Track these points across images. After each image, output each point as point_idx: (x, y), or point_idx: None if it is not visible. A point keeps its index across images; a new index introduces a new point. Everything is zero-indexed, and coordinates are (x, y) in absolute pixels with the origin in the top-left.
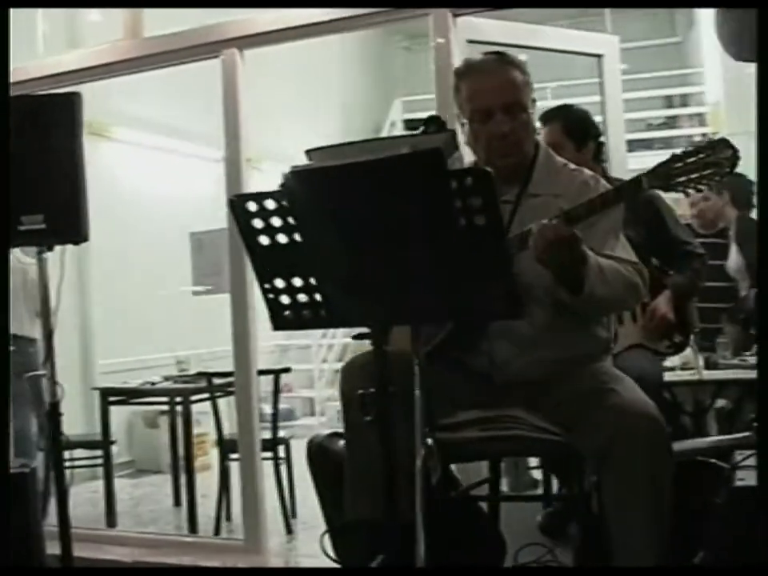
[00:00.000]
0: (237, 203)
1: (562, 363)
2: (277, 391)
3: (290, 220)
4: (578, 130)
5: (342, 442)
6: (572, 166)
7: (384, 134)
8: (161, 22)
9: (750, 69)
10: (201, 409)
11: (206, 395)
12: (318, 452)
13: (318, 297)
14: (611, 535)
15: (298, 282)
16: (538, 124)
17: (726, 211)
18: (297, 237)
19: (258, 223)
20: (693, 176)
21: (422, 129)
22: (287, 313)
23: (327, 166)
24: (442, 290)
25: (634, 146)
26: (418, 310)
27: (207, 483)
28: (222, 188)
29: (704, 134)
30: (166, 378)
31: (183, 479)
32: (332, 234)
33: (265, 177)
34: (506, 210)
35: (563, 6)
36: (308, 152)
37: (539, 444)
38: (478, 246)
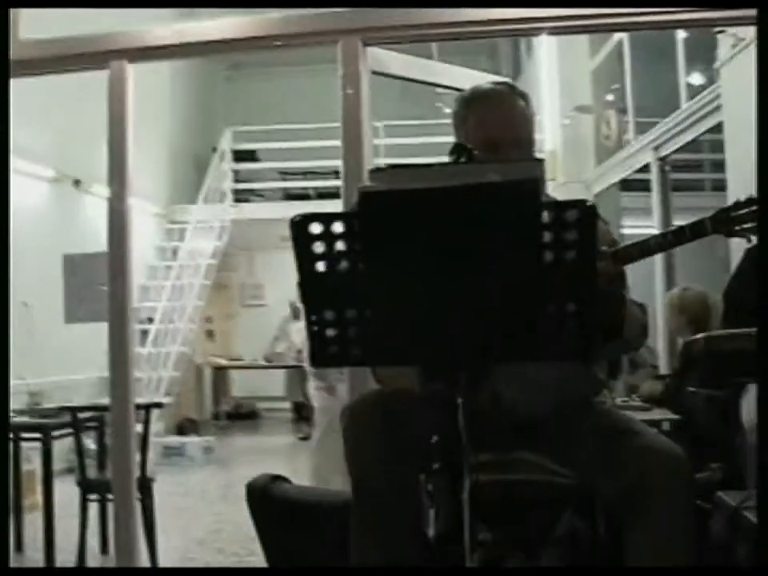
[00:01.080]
0: (300, 224)
1: (565, 404)
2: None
3: (357, 246)
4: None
5: (286, 486)
6: None
7: (213, 162)
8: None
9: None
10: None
11: (68, 430)
12: (261, 496)
13: (369, 332)
14: None
15: (351, 313)
16: None
17: None
18: (360, 264)
19: (318, 247)
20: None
21: (453, 157)
22: (332, 348)
23: (415, 188)
24: (515, 327)
25: None
26: (488, 349)
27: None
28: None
29: None
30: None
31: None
32: (404, 262)
33: (94, 200)
34: None
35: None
36: (373, 171)
37: (563, 489)
38: (562, 282)
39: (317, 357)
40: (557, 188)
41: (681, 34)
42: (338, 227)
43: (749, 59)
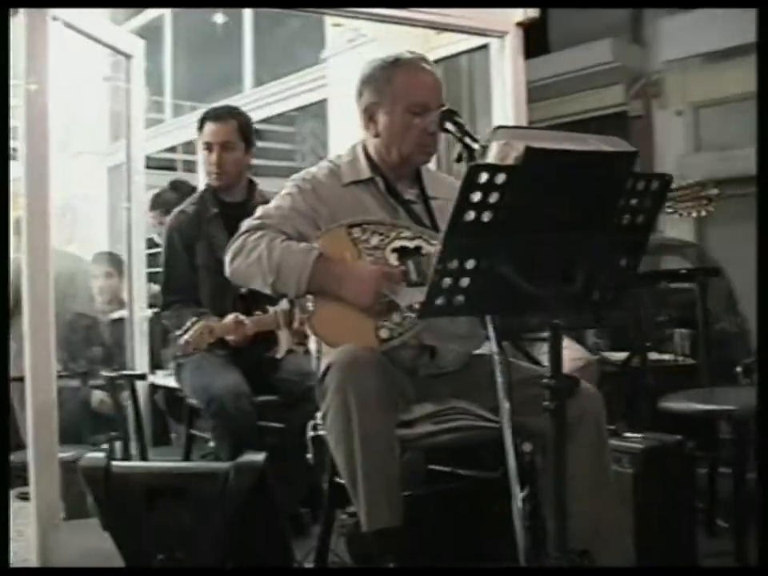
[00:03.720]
0: (474, 171)
1: (474, 356)
2: None
3: (507, 197)
4: (249, 132)
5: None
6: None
7: None
8: None
9: None
10: None
11: None
12: (103, 476)
13: (480, 282)
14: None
15: (470, 264)
16: None
17: None
18: (500, 217)
19: (475, 197)
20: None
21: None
22: (441, 299)
23: (567, 150)
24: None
25: None
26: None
27: None
28: None
29: None
30: None
31: None
32: (537, 216)
33: None
34: (421, 210)
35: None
36: (498, 128)
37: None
38: (626, 241)
39: (426, 308)
40: None
41: (247, 24)
42: (500, 178)
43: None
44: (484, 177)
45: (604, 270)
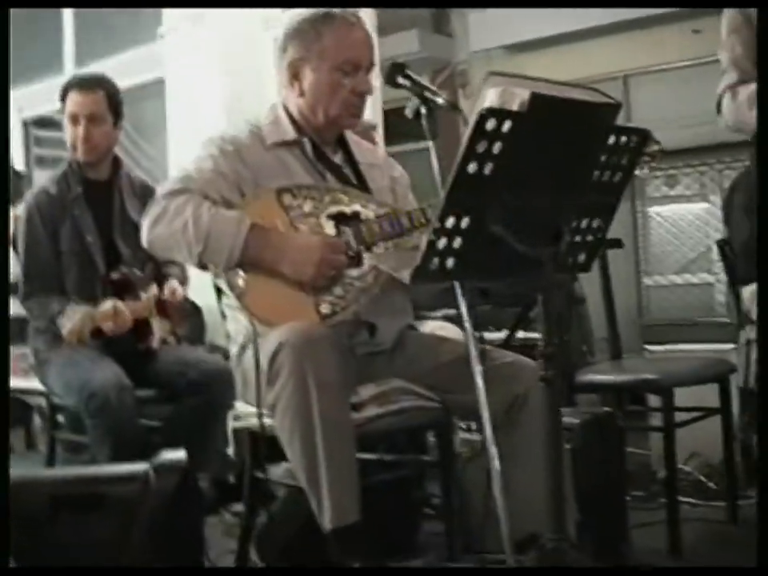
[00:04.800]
0: (484, 117)
1: (403, 331)
2: None
3: (509, 149)
4: (118, 104)
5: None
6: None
7: None
8: None
9: None
10: None
11: None
12: None
13: (473, 243)
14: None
15: (465, 222)
16: None
17: None
18: (500, 170)
19: (481, 146)
20: None
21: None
22: (435, 262)
23: (569, 99)
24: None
25: None
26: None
27: None
28: None
29: None
30: None
31: None
32: (528, 172)
33: None
34: (350, 174)
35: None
36: (493, 73)
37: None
38: (601, 200)
39: (418, 272)
40: None
41: None
42: (506, 126)
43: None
44: (492, 123)
45: (581, 232)
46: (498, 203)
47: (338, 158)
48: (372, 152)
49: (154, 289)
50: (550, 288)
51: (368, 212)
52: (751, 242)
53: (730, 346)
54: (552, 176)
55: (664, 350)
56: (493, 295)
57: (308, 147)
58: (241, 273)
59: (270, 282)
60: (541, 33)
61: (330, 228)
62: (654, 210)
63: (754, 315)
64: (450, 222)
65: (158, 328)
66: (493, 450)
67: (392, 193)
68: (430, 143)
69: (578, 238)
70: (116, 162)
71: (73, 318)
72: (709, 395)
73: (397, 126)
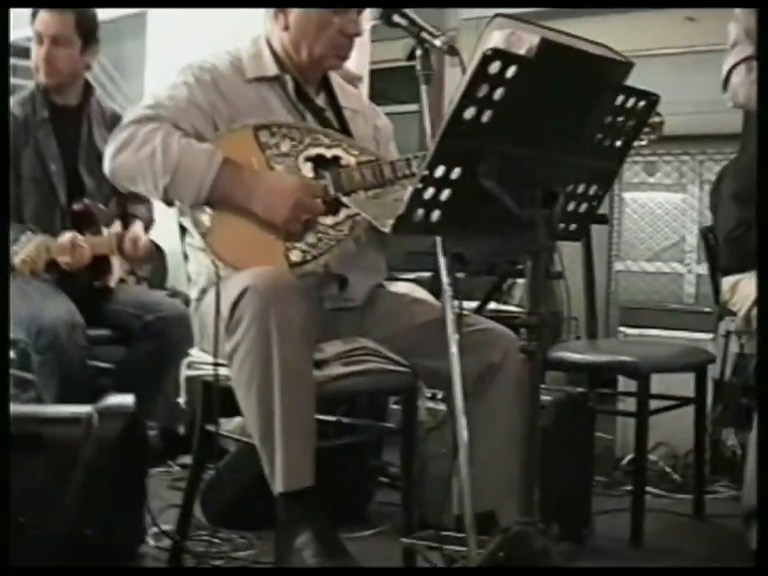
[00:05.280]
0: (489, 59)
1: (374, 288)
2: None
3: (510, 97)
4: (90, 28)
5: None
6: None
7: None
8: None
9: None
10: None
11: None
12: None
13: (461, 195)
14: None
15: (456, 173)
16: None
17: None
18: (499, 119)
19: (481, 90)
20: None
21: None
22: (419, 213)
23: (580, 49)
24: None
25: None
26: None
27: None
28: None
29: None
30: None
31: None
32: (528, 126)
33: None
34: (331, 117)
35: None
36: (497, 16)
37: (403, 376)
38: (600, 165)
39: (402, 221)
40: None
41: None
42: (510, 71)
43: None
44: (495, 66)
45: (576, 197)
46: (492, 155)
47: (320, 100)
48: (357, 98)
49: (117, 225)
50: (541, 252)
51: (349, 158)
52: (737, 232)
53: (705, 335)
54: (553, 132)
55: (638, 334)
56: (467, 263)
57: (290, 85)
58: (208, 210)
59: (239, 222)
60: (531, 7)
61: (307, 170)
62: (630, 195)
63: (733, 307)
64: (439, 170)
65: (118, 267)
66: (462, 421)
67: (374, 142)
68: (423, 88)
69: (572, 204)
70: (87, 89)
71: (26, 246)
72: (675, 384)
73: (381, 89)
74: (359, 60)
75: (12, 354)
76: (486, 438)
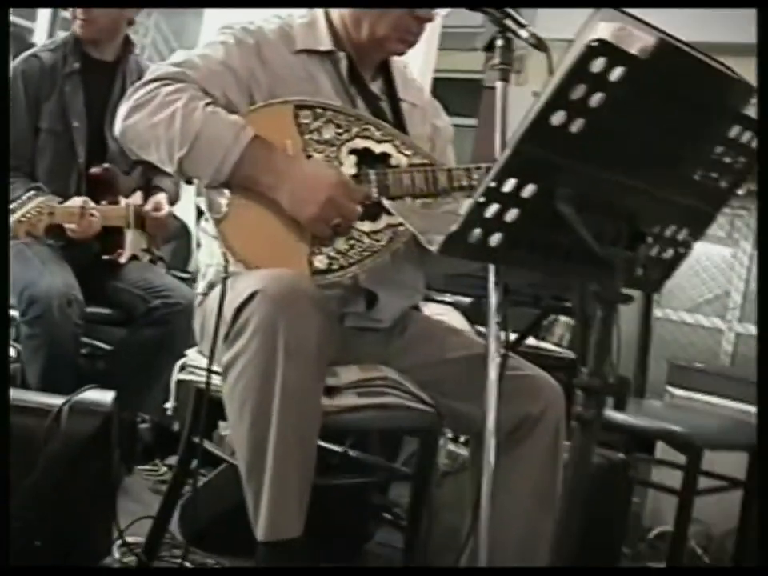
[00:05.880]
0: (593, 53)
1: (407, 311)
2: None
3: (610, 104)
4: None
5: None
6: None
7: None
8: None
9: None
10: None
11: None
12: None
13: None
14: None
15: (529, 190)
16: None
17: None
18: (591, 131)
19: (577, 92)
20: None
21: None
22: (477, 232)
23: (702, 57)
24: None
25: None
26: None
27: None
28: None
29: None
30: None
31: None
32: (622, 146)
33: None
34: (386, 108)
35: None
36: (621, 11)
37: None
38: (698, 206)
39: (454, 241)
40: None
41: None
42: (616, 72)
43: None
44: (599, 64)
45: (664, 241)
46: (575, 176)
47: (375, 87)
48: (418, 91)
49: (137, 197)
50: (614, 302)
51: (400, 157)
52: None
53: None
54: (650, 158)
55: (687, 397)
56: (508, 291)
57: (343, 64)
58: (227, 192)
59: (261, 212)
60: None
61: (349, 165)
62: None
63: None
64: (508, 184)
65: (132, 242)
66: (489, 477)
67: (431, 143)
68: (499, 85)
69: (656, 249)
70: (126, 45)
71: (27, 205)
72: (716, 458)
73: (439, 99)
74: (425, 63)
75: None
76: (508, 496)
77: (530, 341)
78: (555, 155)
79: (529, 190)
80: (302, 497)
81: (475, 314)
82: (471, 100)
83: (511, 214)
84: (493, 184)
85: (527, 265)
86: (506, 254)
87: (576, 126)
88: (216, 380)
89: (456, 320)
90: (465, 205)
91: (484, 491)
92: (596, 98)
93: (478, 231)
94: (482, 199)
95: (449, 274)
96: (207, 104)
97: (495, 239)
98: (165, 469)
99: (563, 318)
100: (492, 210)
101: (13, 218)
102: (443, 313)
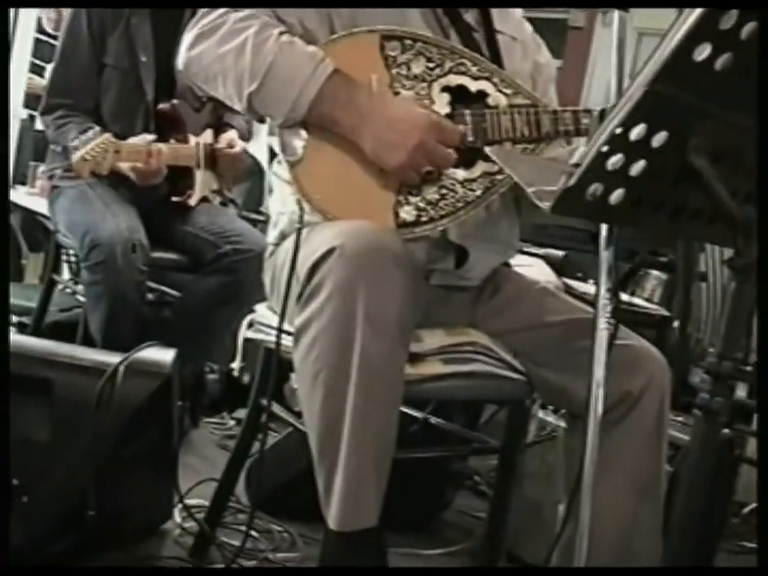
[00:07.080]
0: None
1: (497, 269)
2: None
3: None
4: None
5: None
6: None
7: None
8: None
9: None
10: None
11: None
12: None
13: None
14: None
15: (660, 138)
16: None
17: None
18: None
19: (727, 19)
20: None
21: None
22: (595, 187)
23: None
24: None
25: None
26: None
27: None
28: None
29: None
30: None
31: None
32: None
33: None
34: (481, 41)
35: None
36: None
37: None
38: None
39: (568, 197)
40: None
41: None
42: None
43: None
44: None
45: None
46: (714, 124)
47: (469, 17)
48: (518, 23)
49: (208, 136)
50: (751, 270)
51: (499, 96)
52: None
53: None
54: None
55: None
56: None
57: None
58: (303, 133)
59: (341, 157)
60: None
61: (442, 104)
62: None
63: None
64: (637, 130)
65: (202, 183)
66: (590, 459)
67: (532, 81)
68: (617, 14)
69: None
70: None
71: (90, 143)
72: None
73: None
74: None
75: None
76: (602, 488)
77: (623, 296)
78: (695, 97)
79: (659, 138)
80: (380, 481)
81: (567, 269)
82: (556, 41)
83: (637, 167)
84: (619, 130)
85: (650, 227)
86: (627, 213)
87: (721, 62)
88: (287, 340)
89: (545, 273)
90: (577, 153)
91: (584, 485)
92: (746, 29)
93: (597, 186)
94: (605, 148)
95: (537, 225)
96: (281, 32)
97: (616, 196)
98: (232, 423)
99: (654, 272)
100: (615, 161)
101: (76, 155)
102: (531, 264)
